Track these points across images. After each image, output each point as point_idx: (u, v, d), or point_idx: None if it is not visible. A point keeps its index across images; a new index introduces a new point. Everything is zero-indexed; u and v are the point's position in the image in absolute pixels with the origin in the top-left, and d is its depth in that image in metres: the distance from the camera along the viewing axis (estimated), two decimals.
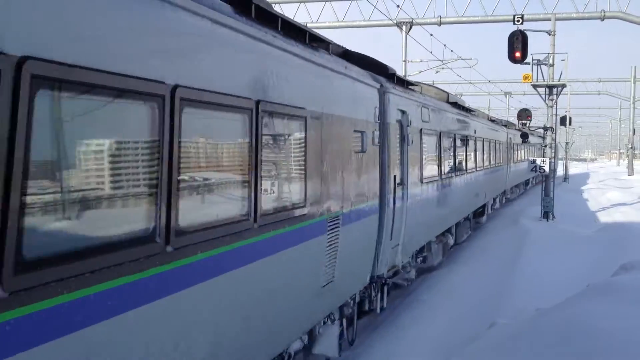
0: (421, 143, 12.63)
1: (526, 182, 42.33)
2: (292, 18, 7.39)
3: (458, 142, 17.09)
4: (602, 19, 27.51)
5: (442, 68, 38.88)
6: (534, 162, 26.18)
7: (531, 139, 36.51)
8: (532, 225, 22.99)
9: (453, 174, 16.21)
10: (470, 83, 54.19)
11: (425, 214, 12.99)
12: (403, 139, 11.32)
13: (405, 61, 30.36)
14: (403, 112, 11.31)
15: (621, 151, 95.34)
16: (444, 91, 18.19)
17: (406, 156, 11.39)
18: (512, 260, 16.40)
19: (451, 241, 17.34)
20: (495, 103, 74.73)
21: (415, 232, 12.25)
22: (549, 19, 26.60)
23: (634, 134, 60.13)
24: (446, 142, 15.51)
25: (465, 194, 18.28)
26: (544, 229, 22.28)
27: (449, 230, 16.86)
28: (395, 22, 29.24)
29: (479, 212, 23.44)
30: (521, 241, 19.19)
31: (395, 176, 10.57)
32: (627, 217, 25.93)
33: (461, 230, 19.29)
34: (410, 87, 12.84)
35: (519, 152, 35.37)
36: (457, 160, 16.80)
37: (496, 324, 9.68)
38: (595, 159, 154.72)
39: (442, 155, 14.84)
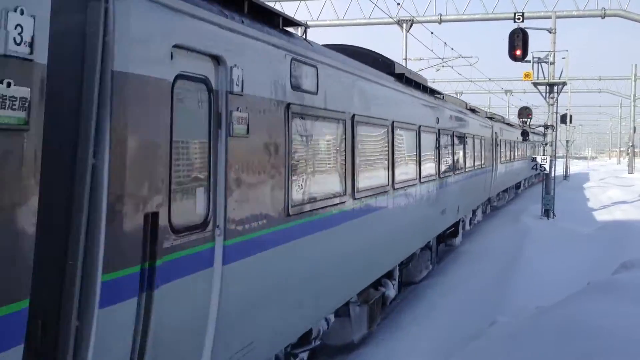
0: (288, 133, 6.30)
1: (517, 185, 36.53)
2: None
3: (404, 137, 10.88)
4: (603, 16, 27.48)
5: (443, 66, 38.94)
6: (534, 160, 26.24)
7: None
8: (533, 223, 23.00)
9: (390, 187, 9.82)
10: (471, 81, 54.08)
11: (307, 272, 6.91)
12: (218, 122, 5.15)
13: (405, 59, 30.33)
14: (217, 59, 5.14)
15: (622, 149, 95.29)
16: (383, 58, 11.91)
17: (224, 161, 5.18)
18: (513, 258, 16.38)
19: (392, 292, 11.02)
20: (495, 101, 74.63)
21: (273, 317, 6.19)
22: (550, 17, 26.58)
23: (634, 132, 60.10)
24: (373, 135, 9.32)
25: (422, 214, 12.25)
26: (545, 227, 22.27)
27: (388, 275, 10.84)
28: (395, 20, 29.20)
29: (451, 232, 17.41)
30: (522, 239, 19.18)
31: (156, 214, 4.30)
32: (628, 215, 25.91)
33: (416, 266, 13.54)
34: (271, 19, 6.37)
35: (509, 150, 29.71)
36: (400, 165, 10.45)
37: (497, 322, 9.68)
38: (596, 157, 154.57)
39: (359, 156, 8.33)
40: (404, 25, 29.63)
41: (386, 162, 9.80)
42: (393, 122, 10.03)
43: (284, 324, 6.49)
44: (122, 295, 4.00)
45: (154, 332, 4.23)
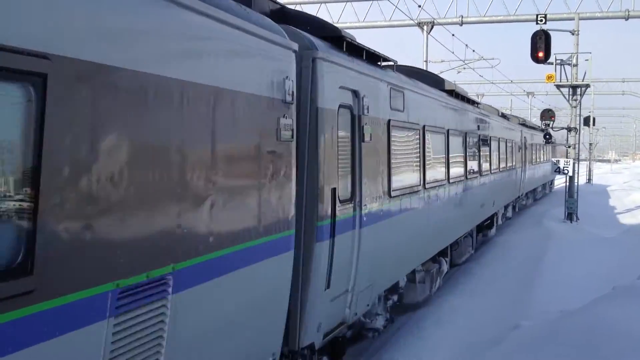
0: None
1: (492, 219, 19.92)
2: None
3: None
4: (627, 18, 27.17)
5: (464, 68, 38.70)
6: (557, 163, 25.99)
7: (501, 132, 20.39)
8: (556, 226, 22.81)
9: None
10: (492, 83, 53.71)
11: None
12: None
13: (426, 61, 30.22)
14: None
15: None
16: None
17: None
18: (536, 261, 16.26)
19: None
20: (517, 103, 74.06)
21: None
22: (573, 19, 26.36)
23: None
24: None
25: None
26: (568, 231, 22.08)
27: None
28: (416, 22, 29.13)
29: None
30: (545, 242, 19.02)
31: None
32: None
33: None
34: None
35: (464, 154, 14.65)
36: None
37: (520, 326, 9.61)
38: (619, 160, 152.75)
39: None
40: (425, 27, 29.53)
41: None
42: None
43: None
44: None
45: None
